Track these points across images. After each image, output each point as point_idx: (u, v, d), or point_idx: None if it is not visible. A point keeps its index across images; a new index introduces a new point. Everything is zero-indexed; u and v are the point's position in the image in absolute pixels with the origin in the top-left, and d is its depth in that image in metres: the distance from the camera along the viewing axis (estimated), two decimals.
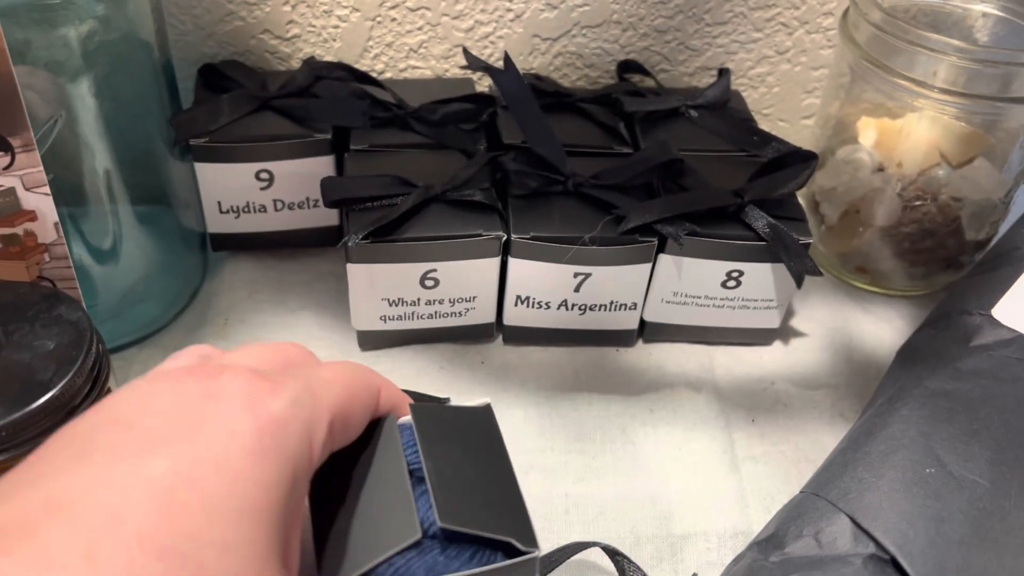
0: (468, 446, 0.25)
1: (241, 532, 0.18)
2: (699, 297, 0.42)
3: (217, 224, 0.45)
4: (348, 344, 0.43)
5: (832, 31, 0.51)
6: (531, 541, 0.23)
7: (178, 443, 0.19)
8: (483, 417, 0.26)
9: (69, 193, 0.36)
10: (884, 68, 0.42)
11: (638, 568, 0.32)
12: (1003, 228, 0.47)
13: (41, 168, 0.32)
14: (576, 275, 0.40)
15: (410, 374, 0.41)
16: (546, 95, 0.46)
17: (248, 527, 0.19)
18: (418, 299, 0.40)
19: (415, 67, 0.51)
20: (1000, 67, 0.40)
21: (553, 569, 0.33)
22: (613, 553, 0.33)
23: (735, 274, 0.41)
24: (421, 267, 0.39)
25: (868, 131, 0.45)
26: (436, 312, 0.41)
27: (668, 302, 0.42)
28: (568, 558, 0.33)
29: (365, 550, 0.22)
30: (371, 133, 0.43)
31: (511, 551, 0.23)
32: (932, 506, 0.27)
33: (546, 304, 0.41)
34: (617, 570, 0.33)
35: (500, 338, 0.44)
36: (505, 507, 0.23)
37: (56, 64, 0.34)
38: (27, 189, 0.33)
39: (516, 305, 0.41)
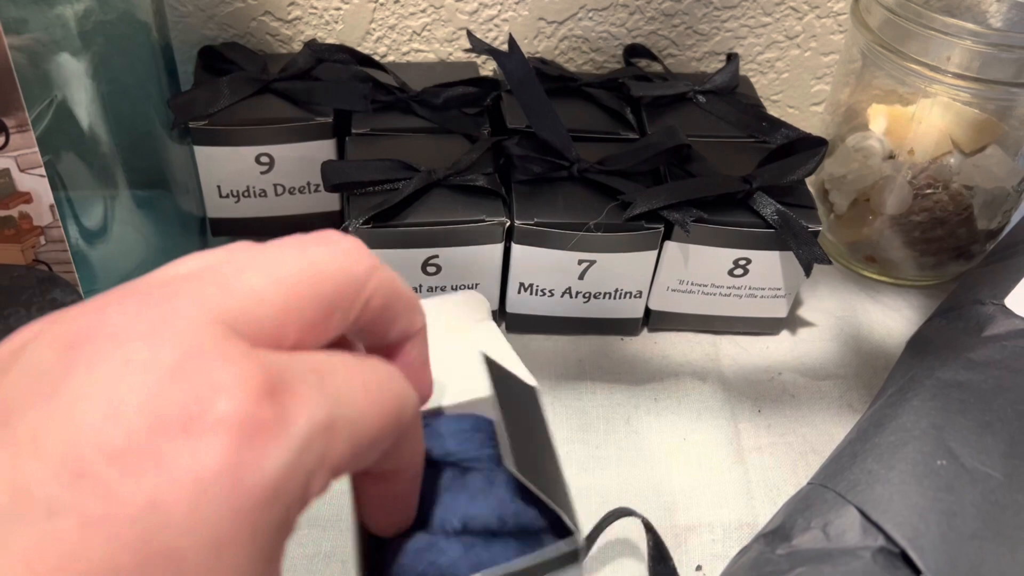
0: (528, 428, 0.24)
1: None
2: (706, 285, 0.41)
3: (217, 208, 0.44)
4: None
5: (843, 16, 0.51)
6: (574, 527, 0.22)
7: (132, 516, 0.13)
8: (530, 397, 0.25)
9: (65, 175, 0.36)
10: (897, 53, 0.41)
11: (663, 548, 0.32)
12: (1015, 217, 0.46)
13: (36, 149, 0.32)
14: (580, 262, 0.39)
15: None
16: (551, 79, 0.46)
17: None
18: (420, 285, 0.40)
19: (418, 50, 0.50)
20: (1015, 51, 0.39)
21: (596, 539, 0.32)
22: (649, 529, 0.32)
23: (742, 262, 0.40)
24: (423, 253, 0.38)
25: (879, 118, 0.45)
26: None
27: (674, 290, 0.41)
28: (608, 525, 0.32)
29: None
30: (373, 117, 0.43)
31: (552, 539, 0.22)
32: (944, 499, 0.26)
33: (550, 292, 0.40)
34: (648, 545, 0.32)
35: (503, 326, 0.43)
36: (555, 491, 0.23)
37: (52, 43, 0.33)
38: (22, 170, 0.32)
39: (519, 292, 0.41)
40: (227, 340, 0.15)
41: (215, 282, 0.16)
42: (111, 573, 0.13)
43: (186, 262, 0.17)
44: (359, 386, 0.17)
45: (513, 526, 0.22)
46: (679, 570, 0.33)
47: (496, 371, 0.24)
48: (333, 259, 0.17)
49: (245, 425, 0.14)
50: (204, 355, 0.15)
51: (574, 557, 0.22)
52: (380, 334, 0.19)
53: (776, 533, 0.28)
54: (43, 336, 0.15)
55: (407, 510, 0.21)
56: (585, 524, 0.34)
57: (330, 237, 0.18)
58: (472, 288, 0.40)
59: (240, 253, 0.17)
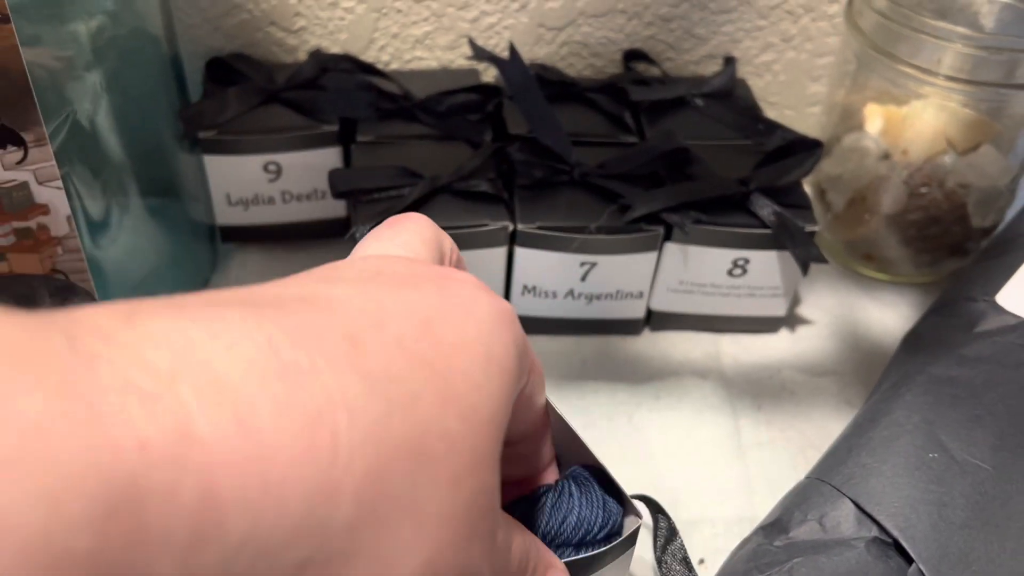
0: None
1: (485, 389, 0.18)
2: (705, 285, 0.42)
3: (226, 216, 0.45)
4: None
5: (837, 18, 0.51)
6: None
7: (432, 289, 0.19)
8: None
9: (80, 187, 0.37)
10: (889, 56, 0.42)
11: (673, 526, 0.33)
12: (1009, 215, 0.47)
13: (54, 162, 0.33)
14: (582, 264, 0.40)
15: None
16: (552, 85, 0.47)
17: (492, 390, 0.18)
18: None
19: (421, 58, 0.51)
20: (1005, 53, 0.40)
21: None
22: (659, 511, 0.33)
23: (741, 262, 0.41)
24: None
25: (875, 119, 0.45)
26: None
27: (674, 291, 0.42)
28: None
29: None
30: (377, 124, 0.44)
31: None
32: (935, 490, 0.27)
33: (552, 293, 0.41)
34: (654, 524, 0.33)
35: None
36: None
37: (67, 60, 0.34)
38: (40, 183, 0.33)
39: (523, 294, 0.42)
40: None
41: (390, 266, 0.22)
42: (429, 307, 0.18)
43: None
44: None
45: (583, 535, 0.24)
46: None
47: None
48: (427, 226, 0.25)
49: (505, 308, 0.21)
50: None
51: (633, 540, 0.25)
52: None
53: (774, 526, 0.29)
54: None
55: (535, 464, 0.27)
56: None
57: (412, 219, 0.25)
58: None
59: (374, 245, 0.23)
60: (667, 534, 0.32)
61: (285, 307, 0.16)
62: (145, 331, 0.14)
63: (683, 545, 0.32)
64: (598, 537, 0.25)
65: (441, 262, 0.23)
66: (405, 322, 0.17)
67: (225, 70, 0.46)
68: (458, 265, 0.24)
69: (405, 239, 0.22)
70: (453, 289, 0.19)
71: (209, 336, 0.14)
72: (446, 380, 0.17)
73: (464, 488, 0.17)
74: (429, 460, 0.16)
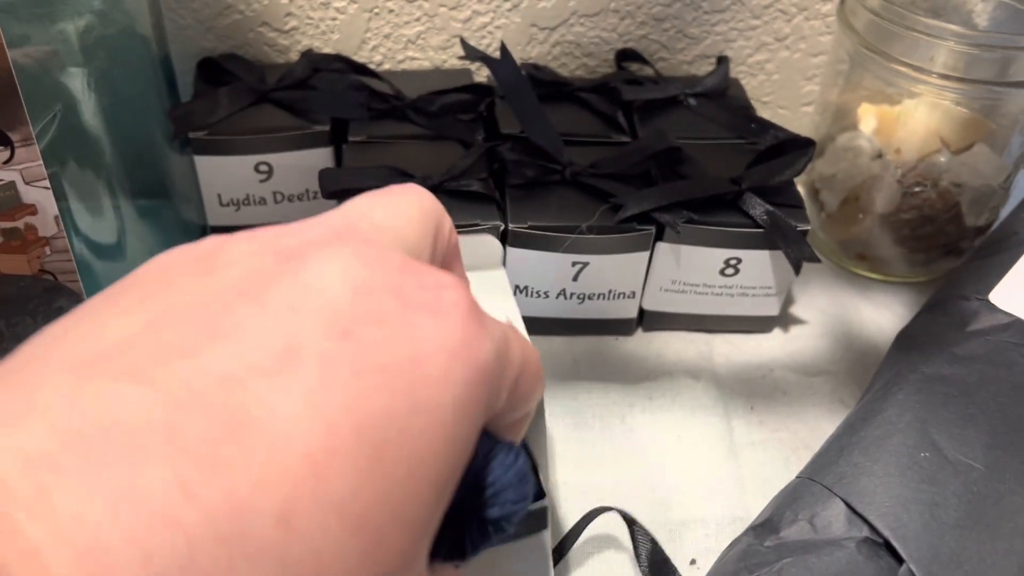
0: None
1: (420, 518, 0.15)
2: (698, 285, 0.42)
3: (218, 217, 0.45)
4: None
5: (831, 17, 0.51)
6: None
7: (400, 369, 0.15)
8: None
9: (69, 187, 0.37)
10: (882, 54, 0.42)
11: (652, 539, 0.32)
12: (1003, 213, 0.46)
13: (41, 162, 0.33)
14: (574, 264, 0.40)
15: None
16: (544, 84, 0.46)
17: (430, 510, 0.15)
18: None
19: (413, 58, 0.51)
20: (998, 51, 0.40)
21: (577, 536, 0.33)
22: (631, 522, 0.33)
23: (733, 262, 0.41)
24: None
25: (868, 118, 0.45)
26: None
27: (667, 290, 0.42)
28: (587, 524, 0.33)
29: None
30: (369, 124, 0.44)
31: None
32: (926, 490, 0.27)
33: (544, 293, 0.41)
34: (631, 538, 0.33)
35: None
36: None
37: (55, 58, 0.34)
38: (27, 183, 0.33)
39: (515, 294, 0.41)
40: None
41: (368, 227, 0.18)
42: (388, 419, 0.14)
43: (315, 226, 0.18)
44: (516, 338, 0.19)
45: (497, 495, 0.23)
46: (673, 563, 0.34)
47: None
48: (429, 200, 0.20)
49: (468, 313, 0.16)
50: (415, 262, 0.17)
51: (542, 520, 0.23)
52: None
53: (765, 526, 0.29)
54: (251, 248, 0.17)
55: None
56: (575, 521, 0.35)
57: (416, 188, 0.20)
58: None
59: (363, 203, 0.19)
60: (641, 541, 0.32)
61: (213, 455, 0.13)
62: (56, 525, 0.12)
63: (662, 550, 0.32)
64: (515, 510, 0.24)
65: (435, 243, 0.19)
66: (354, 462, 0.14)
67: (216, 70, 0.46)
68: (453, 251, 0.21)
69: (404, 213, 0.19)
70: (427, 359, 0.15)
71: (122, 540, 0.12)
72: (376, 544, 0.14)
73: None
74: None
